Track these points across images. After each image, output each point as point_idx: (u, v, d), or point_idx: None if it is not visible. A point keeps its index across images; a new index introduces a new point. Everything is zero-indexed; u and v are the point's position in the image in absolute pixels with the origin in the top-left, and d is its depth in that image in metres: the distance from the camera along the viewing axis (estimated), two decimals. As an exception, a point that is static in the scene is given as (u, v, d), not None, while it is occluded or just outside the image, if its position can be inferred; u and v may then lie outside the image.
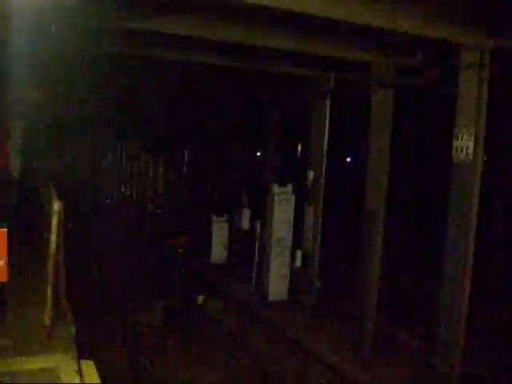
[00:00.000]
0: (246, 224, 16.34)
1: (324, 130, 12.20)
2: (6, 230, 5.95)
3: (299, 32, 9.11)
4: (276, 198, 13.85)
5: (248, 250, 15.68)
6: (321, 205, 12.30)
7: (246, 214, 16.42)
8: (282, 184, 14.18)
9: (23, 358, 5.92)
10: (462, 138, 8.08)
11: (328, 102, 12.17)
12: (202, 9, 8.29)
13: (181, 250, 19.34)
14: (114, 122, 31.56)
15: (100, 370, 5.97)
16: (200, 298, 14.23)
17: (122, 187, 38.23)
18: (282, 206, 13.88)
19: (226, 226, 18.44)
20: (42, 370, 5.73)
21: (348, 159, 25.79)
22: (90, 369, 5.90)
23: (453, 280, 8.35)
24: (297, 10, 6.78)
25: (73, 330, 6.79)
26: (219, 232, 18.43)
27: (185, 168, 26.48)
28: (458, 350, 8.34)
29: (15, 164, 16.08)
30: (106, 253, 19.85)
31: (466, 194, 8.10)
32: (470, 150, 8.00)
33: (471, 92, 8.05)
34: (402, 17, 7.35)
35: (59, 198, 6.94)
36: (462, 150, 8.08)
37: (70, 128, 32.49)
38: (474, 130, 7.98)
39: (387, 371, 10.00)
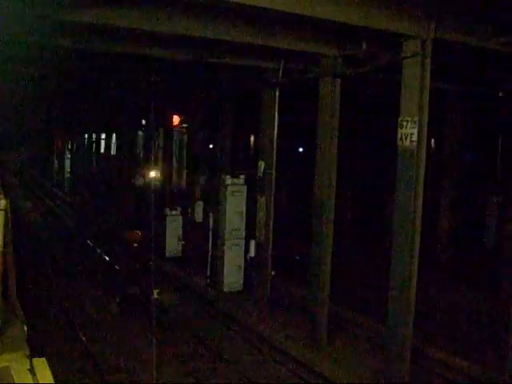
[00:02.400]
0: (199, 216, 16.34)
1: (274, 120, 12.28)
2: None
3: (250, 25, 9.15)
4: (228, 189, 13.92)
5: (202, 243, 15.70)
6: (272, 195, 12.39)
7: (199, 207, 16.41)
8: (235, 175, 14.27)
9: (-27, 359, 5.80)
10: (406, 126, 8.29)
11: (277, 93, 12.24)
12: (152, 2, 8.24)
13: (136, 245, 19.20)
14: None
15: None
16: (156, 291, 14.16)
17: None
18: (235, 197, 13.96)
19: (179, 219, 18.40)
20: (-6, 370, 5.63)
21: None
22: (42, 366, 5.81)
23: (400, 268, 8.60)
24: (249, 3, 6.84)
25: (24, 327, 6.67)
26: (173, 225, 18.37)
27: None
28: (407, 329, 8.59)
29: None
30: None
31: (411, 180, 8.31)
32: (415, 138, 8.21)
33: (414, 81, 8.25)
34: (349, 9, 7.50)
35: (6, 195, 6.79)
36: (406, 138, 8.28)
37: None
38: (417, 118, 8.19)
39: (341, 356, 10.27)
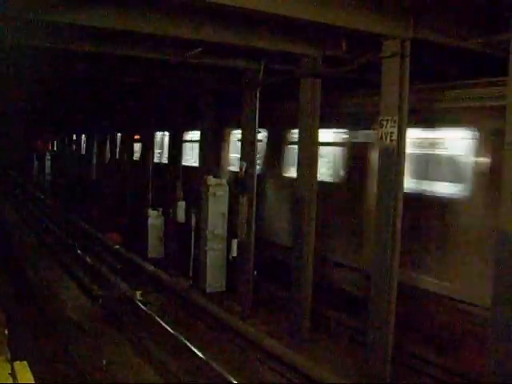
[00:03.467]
0: (181, 217, 16.29)
1: (255, 120, 12.31)
2: None
3: (231, 24, 9.16)
4: (210, 190, 13.92)
5: (184, 243, 15.67)
6: (254, 194, 12.42)
7: (182, 207, 16.37)
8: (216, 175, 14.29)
9: (-47, 363, 5.74)
10: (386, 126, 8.37)
11: (258, 93, 12.27)
12: (132, 2, 8.20)
13: (117, 246, 19.09)
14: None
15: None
16: (138, 293, 14.13)
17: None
18: (217, 197, 13.97)
19: (161, 219, 18.33)
20: (-26, 374, 5.58)
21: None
22: (23, 370, 5.79)
23: (381, 266, 8.68)
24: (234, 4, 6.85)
25: (4, 331, 6.63)
26: (155, 226, 18.31)
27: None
28: (388, 330, 8.66)
29: None
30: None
31: (391, 178, 8.40)
32: (394, 137, 8.30)
33: (393, 81, 8.34)
34: (328, 10, 7.54)
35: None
36: (386, 137, 8.37)
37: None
38: (397, 118, 8.28)
39: (324, 355, 10.33)
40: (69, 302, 13.62)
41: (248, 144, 12.60)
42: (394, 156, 8.33)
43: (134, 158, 23.58)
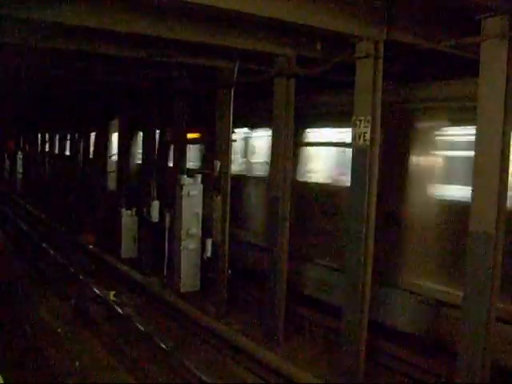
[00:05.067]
0: (155, 216, 16.18)
1: (229, 119, 12.28)
2: None
3: (205, 24, 9.12)
4: (184, 189, 13.86)
5: (159, 243, 15.58)
6: (228, 194, 12.40)
7: (155, 206, 16.25)
8: (191, 175, 14.23)
9: None
10: (359, 126, 8.43)
11: (232, 92, 12.24)
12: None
13: (91, 246, 18.91)
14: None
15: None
16: (111, 293, 14.01)
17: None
18: (191, 196, 13.92)
19: (135, 219, 18.19)
20: None
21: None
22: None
23: (353, 263, 8.74)
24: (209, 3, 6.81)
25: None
26: (128, 226, 18.16)
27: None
28: (362, 325, 8.73)
29: None
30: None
31: (364, 178, 8.46)
32: (368, 137, 8.36)
33: (367, 81, 8.40)
34: (302, 10, 7.54)
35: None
36: (359, 137, 8.43)
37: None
38: (370, 117, 8.34)
39: (298, 355, 10.37)
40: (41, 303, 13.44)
41: (222, 143, 12.57)
42: (366, 155, 8.39)
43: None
